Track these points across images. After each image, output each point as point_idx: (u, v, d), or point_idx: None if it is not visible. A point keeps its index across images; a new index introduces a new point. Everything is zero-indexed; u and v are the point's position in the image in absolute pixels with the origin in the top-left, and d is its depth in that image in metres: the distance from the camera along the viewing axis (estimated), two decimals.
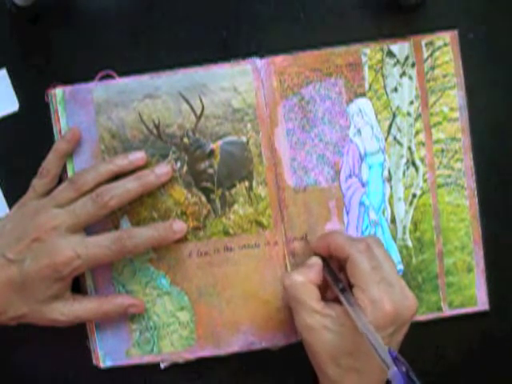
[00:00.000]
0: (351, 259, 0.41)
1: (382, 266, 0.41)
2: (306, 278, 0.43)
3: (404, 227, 0.48)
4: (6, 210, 0.48)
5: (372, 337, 0.38)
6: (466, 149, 0.48)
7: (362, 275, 0.41)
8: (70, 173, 0.47)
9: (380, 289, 0.40)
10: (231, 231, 0.48)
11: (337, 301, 0.42)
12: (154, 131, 0.48)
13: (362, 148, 0.48)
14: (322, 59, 0.48)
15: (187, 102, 0.47)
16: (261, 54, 0.48)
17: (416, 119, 0.48)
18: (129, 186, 0.45)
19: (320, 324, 0.41)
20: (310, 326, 0.41)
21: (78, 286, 0.48)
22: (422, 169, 0.48)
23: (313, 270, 0.43)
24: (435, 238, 0.48)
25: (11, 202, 0.48)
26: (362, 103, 0.48)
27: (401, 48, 0.48)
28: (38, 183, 0.46)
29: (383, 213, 0.49)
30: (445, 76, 0.48)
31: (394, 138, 0.48)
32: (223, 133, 0.48)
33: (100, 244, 0.44)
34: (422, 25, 0.48)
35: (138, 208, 0.48)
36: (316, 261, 0.44)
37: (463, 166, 0.48)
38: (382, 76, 0.48)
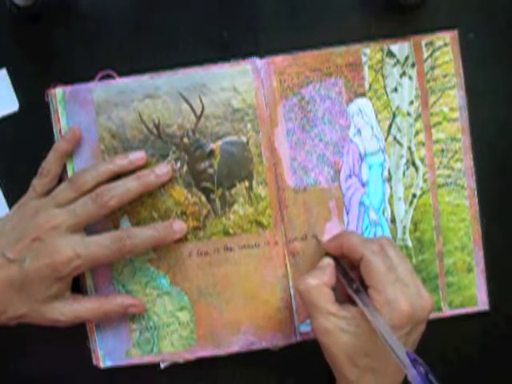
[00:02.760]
0: (365, 260, 0.41)
1: (397, 266, 0.41)
2: (320, 281, 0.42)
3: (404, 227, 0.48)
4: (6, 209, 0.48)
5: (389, 338, 0.38)
6: (465, 149, 0.48)
7: (377, 276, 0.40)
8: (70, 173, 0.47)
9: (395, 289, 0.40)
10: (231, 231, 0.48)
11: (349, 301, 0.42)
12: (154, 131, 0.48)
13: (361, 148, 0.48)
14: (322, 59, 0.48)
15: (187, 101, 0.47)
16: (261, 54, 0.48)
17: (416, 119, 0.48)
18: (129, 186, 0.45)
19: (336, 326, 0.40)
20: (327, 329, 0.40)
21: (78, 286, 0.48)
22: (421, 169, 0.48)
23: (326, 272, 0.43)
24: (435, 238, 0.48)
25: (11, 201, 0.48)
26: (362, 103, 0.48)
27: (401, 48, 0.48)
28: (38, 183, 0.46)
29: (383, 213, 0.49)
30: (445, 76, 0.48)
31: (394, 138, 0.48)
32: (223, 133, 0.48)
33: (100, 244, 0.44)
34: (422, 25, 0.48)
35: (138, 208, 0.48)
36: (328, 262, 0.44)
37: (463, 166, 0.48)
38: (382, 76, 0.48)
